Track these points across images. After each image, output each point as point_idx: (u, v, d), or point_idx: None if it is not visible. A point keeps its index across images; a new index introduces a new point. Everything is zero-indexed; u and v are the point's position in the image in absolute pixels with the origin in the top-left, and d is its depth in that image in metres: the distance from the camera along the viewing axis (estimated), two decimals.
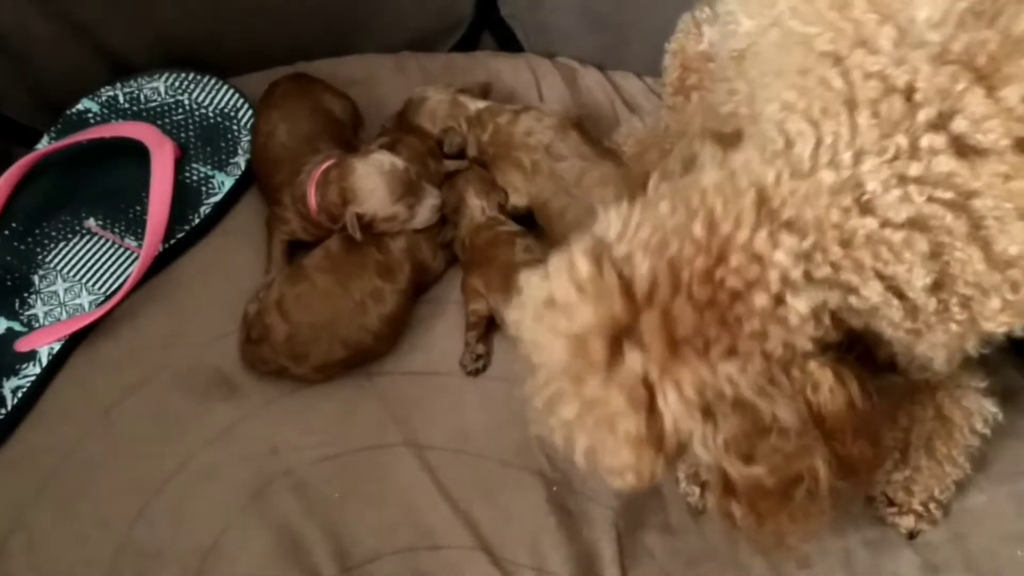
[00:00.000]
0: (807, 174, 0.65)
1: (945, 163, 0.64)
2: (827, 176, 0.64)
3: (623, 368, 0.64)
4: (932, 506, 0.97)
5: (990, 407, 0.94)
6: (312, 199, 1.08)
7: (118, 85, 1.21)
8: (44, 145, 1.16)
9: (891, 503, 0.99)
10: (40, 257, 1.11)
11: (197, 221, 1.15)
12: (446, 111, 1.19)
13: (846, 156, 0.65)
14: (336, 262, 1.07)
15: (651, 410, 0.64)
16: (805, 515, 0.72)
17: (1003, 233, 0.65)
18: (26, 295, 1.09)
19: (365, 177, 1.05)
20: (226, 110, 1.22)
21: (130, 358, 1.07)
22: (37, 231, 1.12)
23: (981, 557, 0.97)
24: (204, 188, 1.17)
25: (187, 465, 1.01)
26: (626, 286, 0.64)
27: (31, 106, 1.19)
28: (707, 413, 0.64)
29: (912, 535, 0.98)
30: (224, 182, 1.18)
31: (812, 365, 0.66)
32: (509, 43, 1.35)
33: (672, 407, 0.64)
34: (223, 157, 1.20)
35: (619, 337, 0.65)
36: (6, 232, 1.11)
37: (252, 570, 0.96)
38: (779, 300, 0.64)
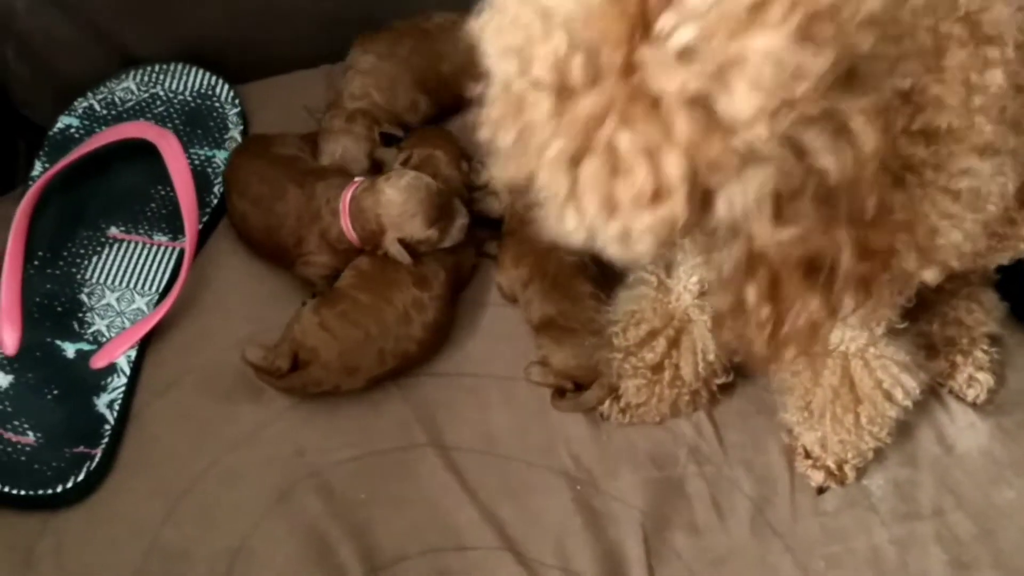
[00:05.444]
0: None
1: None
2: None
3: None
4: (846, 468, 0.99)
5: (908, 381, 0.92)
6: (351, 232, 1.06)
7: (89, 95, 1.18)
8: (38, 171, 1.13)
9: (807, 455, 1.01)
10: (79, 276, 1.09)
11: (216, 202, 1.15)
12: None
13: None
14: (371, 280, 1.06)
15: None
16: (820, 306, 0.61)
17: None
18: (81, 315, 1.07)
19: (401, 203, 1.03)
20: (203, 90, 1.20)
21: (155, 361, 1.07)
22: (65, 253, 1.10)
23: (1011, 553, 0.97)
24: (210, 169, 1.16)
25: (214, 467, 1.01)
26: None
27: (53, 108, 1.18)
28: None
29: (821, 490, 1.01)
30: (227, 159, 1.16)
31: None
32: None
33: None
34: (217, 135, 1.18)
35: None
36: (36, 263, 1.09)
37: (279, 571, 0.96)
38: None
